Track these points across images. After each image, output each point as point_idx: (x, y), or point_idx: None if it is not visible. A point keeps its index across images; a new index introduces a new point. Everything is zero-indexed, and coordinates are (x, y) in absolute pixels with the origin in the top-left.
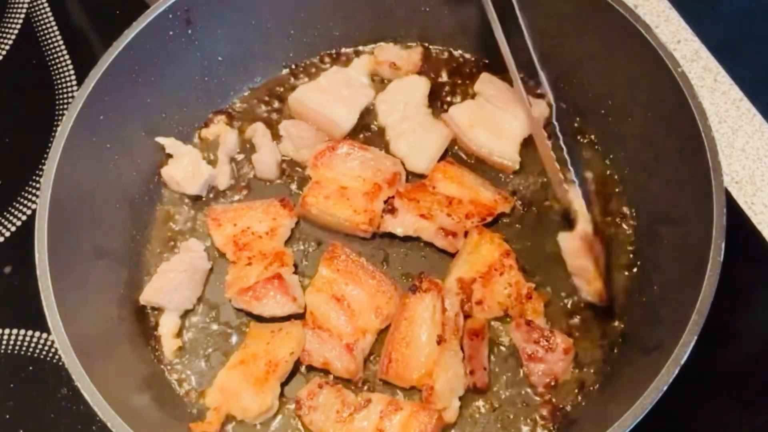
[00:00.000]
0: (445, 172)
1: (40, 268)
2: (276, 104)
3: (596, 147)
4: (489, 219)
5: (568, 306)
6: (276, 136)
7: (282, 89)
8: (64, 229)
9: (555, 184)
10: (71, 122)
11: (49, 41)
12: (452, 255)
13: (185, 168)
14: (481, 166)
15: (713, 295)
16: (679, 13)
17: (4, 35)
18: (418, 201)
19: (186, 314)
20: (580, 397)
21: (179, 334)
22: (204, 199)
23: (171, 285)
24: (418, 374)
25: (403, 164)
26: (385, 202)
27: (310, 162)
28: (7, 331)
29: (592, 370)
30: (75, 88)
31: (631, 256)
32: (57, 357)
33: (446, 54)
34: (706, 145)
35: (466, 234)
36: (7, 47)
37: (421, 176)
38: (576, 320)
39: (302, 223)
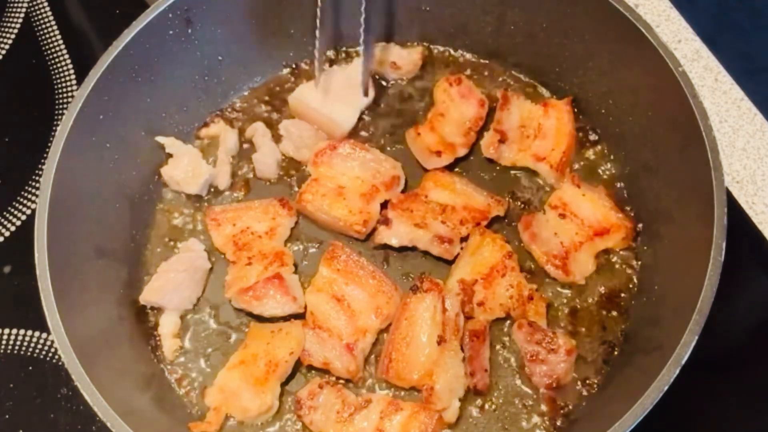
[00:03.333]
0: (437, 180)
1: (40, 268)
2: (276, 104)
3: (597, 146)
4: (484, 223)
5: (570, 307)
6: (276, 136)
7: (282, 89)
8: (64, 229)
9: None
10: (71, 122)
11: (49, 41)
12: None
13: (185, 168)
14: (471, 171)
15: (714, 295)
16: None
17: (4, 35)
18: (411, 211)
19: (186, 314)
20: (581, 398)
21: (179, 334)
22: (204, 198)
23: (171, 285)
24: (418, 374)
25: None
26: (383, 205)
27: (310, 160)
28: (7, 331)
29: (592, 371)
30: (75, 87)
31: (632, 255)
32: (57, 357)
33: (447, 53)
34: (707, 145)
35: (462, 240)
36: (7, 47)
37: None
38: (577, 321)
39: (302, 223)
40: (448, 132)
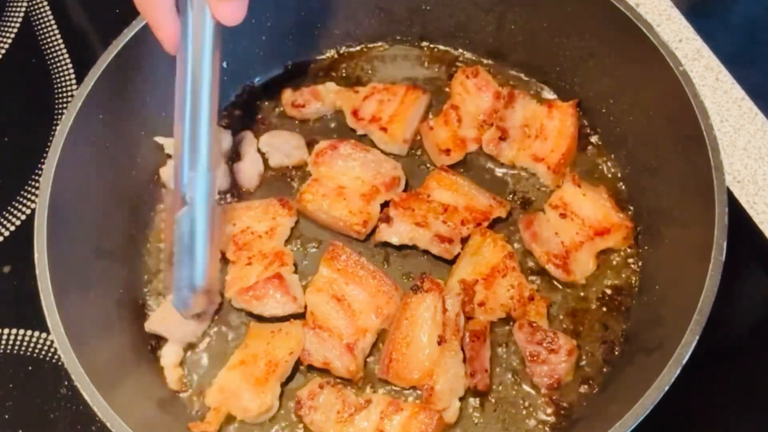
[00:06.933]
0: (440, 181)
1: (40, 267)
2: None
3: (597, 146)
4: (485, 224)
5: (571, 307)
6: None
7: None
8: (64, 228)
9: None
10: (71, 122)
11: (49, 41)
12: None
13: None
14: (472, 171)
15: (715, 294)
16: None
17: (4, 35)
18: (413, 210)
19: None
20: (581, 398)
21: (182, 364)
22: None
23: (177, 318)
24: (418, 374)
25: None
26: (383, 205)
27: (311, 159)
28: (6, 331)
29: (593, 371)
30: (74, 87)
31: (633, 255)
32: (57, 357)
33: (447, 53)
34: (707, 144)
35: (462, 240)
36: (7, 47)
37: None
38: (578, 321)
39: (302, 223)
40: (461, 125)
